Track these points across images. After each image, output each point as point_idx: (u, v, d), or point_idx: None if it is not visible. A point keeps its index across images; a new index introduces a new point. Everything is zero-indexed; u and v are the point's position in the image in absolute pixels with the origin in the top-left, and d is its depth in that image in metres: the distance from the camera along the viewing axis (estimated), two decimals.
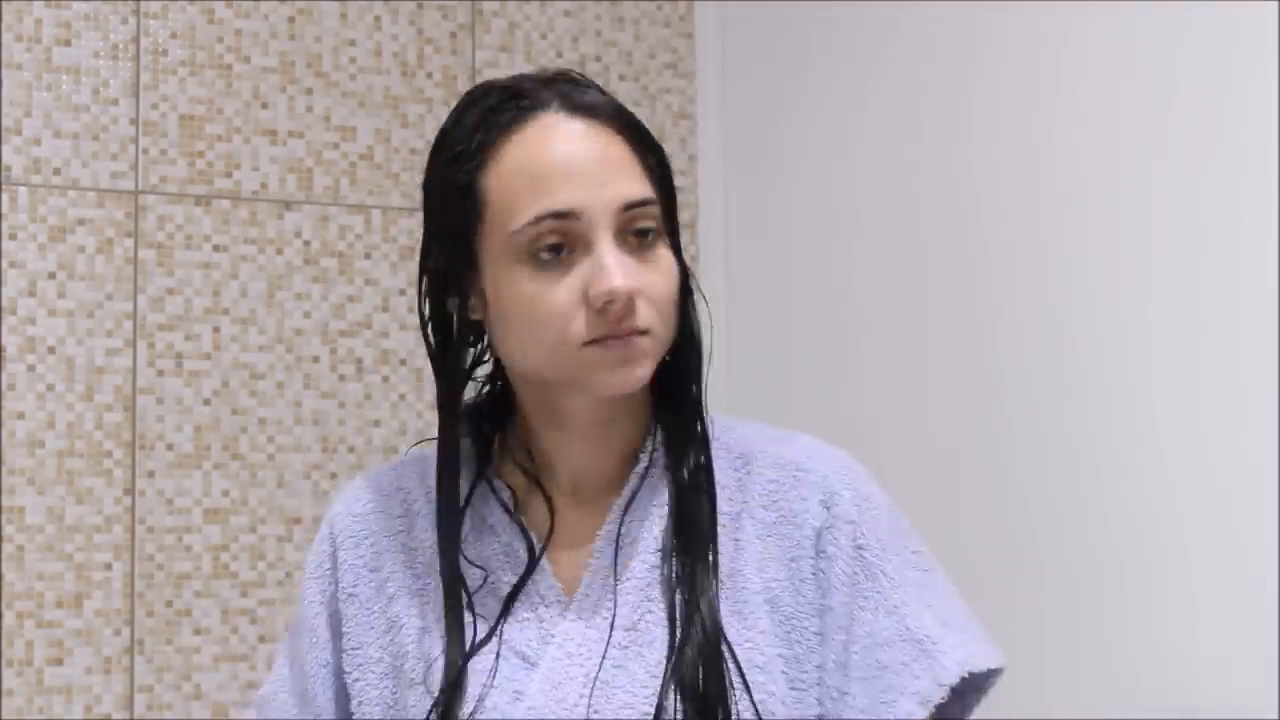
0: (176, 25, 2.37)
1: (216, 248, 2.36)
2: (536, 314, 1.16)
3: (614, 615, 1.19)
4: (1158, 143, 1.85)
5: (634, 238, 1.18)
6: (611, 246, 1.16)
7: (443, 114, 2.52)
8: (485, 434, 1.27)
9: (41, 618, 2.24)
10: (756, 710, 1.15)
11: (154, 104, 2.35)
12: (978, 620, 1.25)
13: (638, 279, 1.16)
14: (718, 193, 2.55)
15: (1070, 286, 1.96)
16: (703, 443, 1.24)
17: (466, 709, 1.17)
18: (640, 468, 1.24)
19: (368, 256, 2.44)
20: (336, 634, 1.26)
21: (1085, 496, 1.92)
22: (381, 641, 1.24)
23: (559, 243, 1.15)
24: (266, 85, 2.41)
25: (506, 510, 1.24)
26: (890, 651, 1.19)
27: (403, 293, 2.45)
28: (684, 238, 1.29)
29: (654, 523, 1.22)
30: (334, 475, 2.39)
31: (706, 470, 1.23)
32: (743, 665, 1.17)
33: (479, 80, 2.52)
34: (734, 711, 1.15)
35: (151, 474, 2.30)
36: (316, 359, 2.40)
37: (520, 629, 1.21)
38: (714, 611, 1.16)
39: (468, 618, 1.20)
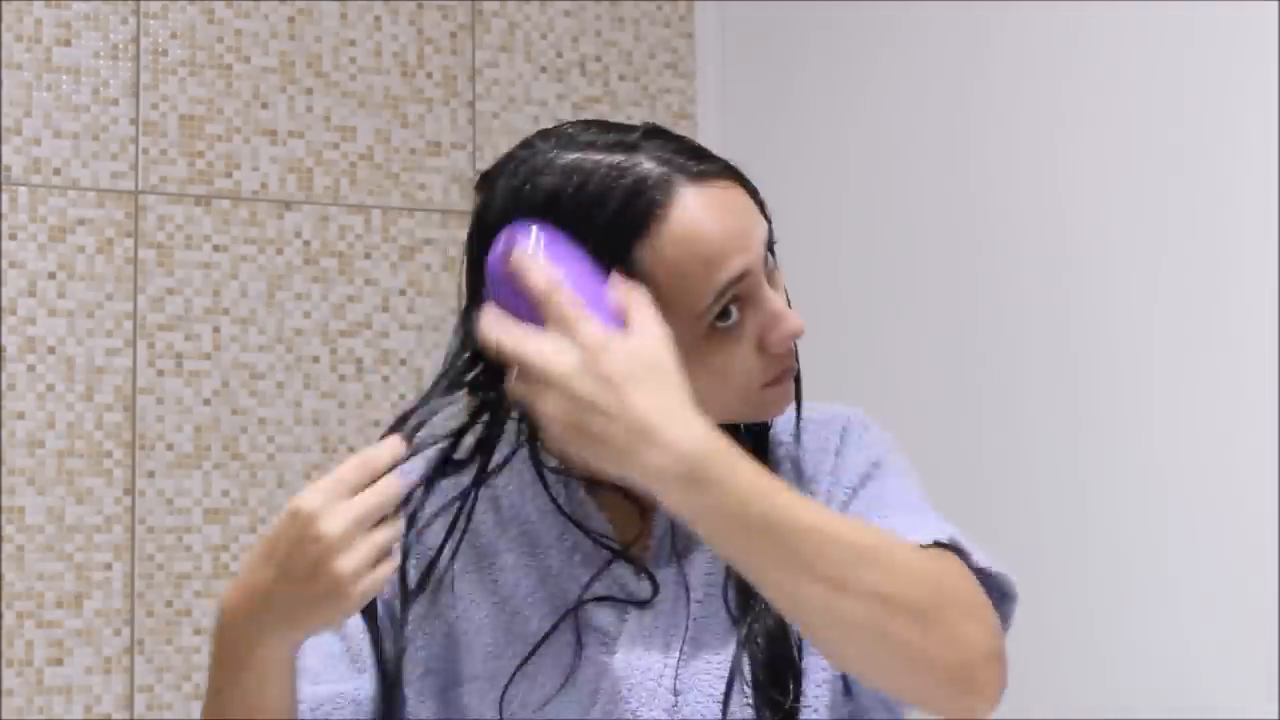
0: (176, 25, 2.37)
1: (216, 248, 2.36)
2: (726, 379, 1.17)
3: (687, 590, 1.21)
4: (1157, 142, 1.85)
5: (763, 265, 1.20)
6: (770, 293, 1.18)
7: (443, 114, 2.54)
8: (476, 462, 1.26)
9: (41, 618, 2.24)
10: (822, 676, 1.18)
11: (154, 104, 2.35)
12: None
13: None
14: None
15: (1069, 286, 1.96)
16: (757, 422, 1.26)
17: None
18: None
19: (368, 256, 2.44)
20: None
21: (1085, 496, 1.92)
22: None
23: (731, 306, 1.16)
24: (266, 85, 2.41)
25: (576, 522, 1.24)
26: (890, 507, 1.19)
27: (403, 293, 2.45)
28: None
29: None
30: None
31: (758, 440, 1.25)
32: None
33: (479, 80, 2.52)
34: (801, 678, 1.17)
35: (151, 474, 2.30)
36: (316, 359, 2.40)
37: (596, 610, 1.22)
38: None
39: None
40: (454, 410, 1.21)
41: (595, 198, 1.13)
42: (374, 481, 1.06)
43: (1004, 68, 2.08)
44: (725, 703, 1.17)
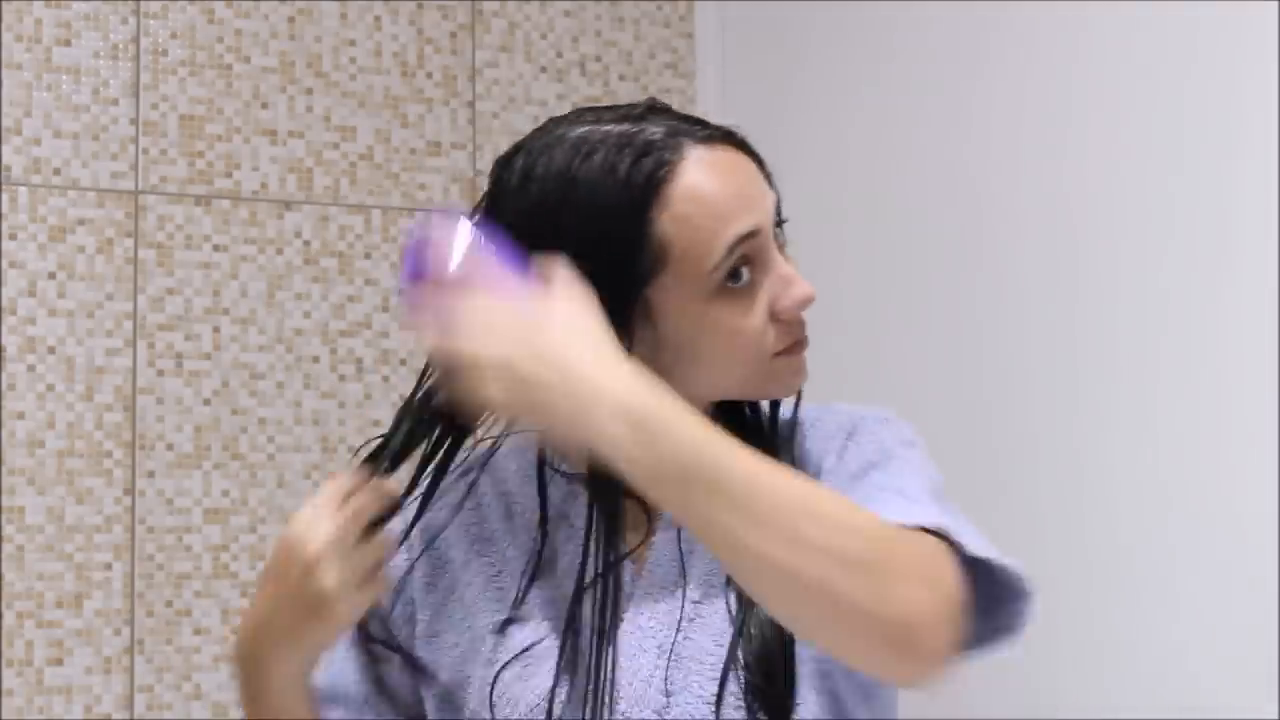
0: (176, 25, 2.37)
1: (216, 248, 2.36)
2: (737, 342, 1.18)
3: (684, 588, 1.20)
4: (1157, 142, 1.85)
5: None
6: (780, 258, 1.20)
7: (443, 114, 2.54)
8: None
9: (41, 618, 2.24)
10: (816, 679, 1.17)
11: (154, 104, 2.35)
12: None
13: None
14: None
15: (1069, 286, 1.96)
16: (755, 415, 1.26)
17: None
18: None
19: (368, 256, 2.44)
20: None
21: (1085, 496, 1.92)
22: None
23: (742, 267, 1.17)
24: (266, 85, 2.41)
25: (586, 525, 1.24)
26: (885, 494, 1.16)
27: (403, 292, 2.45)
28: None
29: None
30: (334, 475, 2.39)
31: (759, 437, 1.24)
32: None
33: (479, 80, 2.52)
34: (794, 676, 1.17)
35: (151, 474, 2.30)
36: (316, 359, 2.40)
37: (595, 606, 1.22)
38: None
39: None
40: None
41: (607, 164, 1.16)
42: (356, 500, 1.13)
43: (1004, 68, 2.08)
44: (718, 704, 1.16)
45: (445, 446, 1.22)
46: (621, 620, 1.21)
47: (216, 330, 2.35)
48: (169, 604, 2.29)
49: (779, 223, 1.23)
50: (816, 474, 1.23)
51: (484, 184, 1.24)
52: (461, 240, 1.12)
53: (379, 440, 1.19)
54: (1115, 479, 1.88)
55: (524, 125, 2.49)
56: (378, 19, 2.48)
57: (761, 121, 2.56)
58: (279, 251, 2.39)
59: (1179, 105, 1.83)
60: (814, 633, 1.08)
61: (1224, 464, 1.76)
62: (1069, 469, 1.94)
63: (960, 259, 2.12)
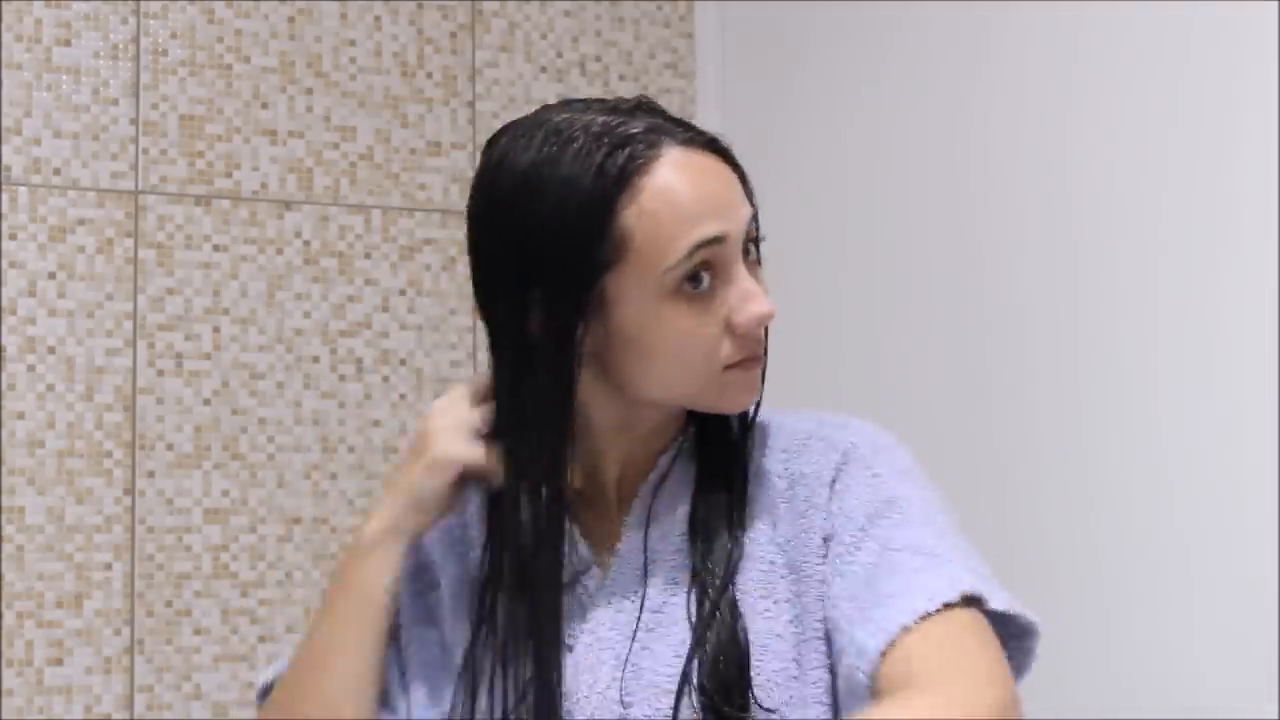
0: (176, 25, 2.37)
1: (216, 248, 2.36)
2: (686, 345, 1.18)
3: (643, 598, 1.21)
4: (1157, 142, 1.85)
5: (744, 254, 1.21)
6: (745, 272, 1.20)
7: (443, 114, 2.54)
8: None
9: (41, 618, 2.24)
10: (765, 690, 1.18)
11: (154, 104, 2.35)
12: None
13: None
14: None
15: (1069, 287, 1.96)
16: (728, 429, 1.27)
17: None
18: (669, 454, 1.26)
19: (368, 256, 2.44)
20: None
21: (1086, 497, 1.92)
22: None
23: (702, 272, 1.18)
24: (266, 85, 2.41)
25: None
26: (902, 555, 1.17)
27: (403, 293, 2.45)
28: None
29: (681, 505, 1.24)
30: (334, 475, 2.39)
31: (731, 451, 1.25)
32: (762, 634, 1.18)
33: (479, 80, 2.52)
34: (751, 689, 1.17)
35: (151, 474, 2.30)
36: (316, 359, 2.40)
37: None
38: (732, 594, 1.19)
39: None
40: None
41: (583, 151, 1.18)
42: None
43: (1004, 69, 2.08)
44: (675, 713, 1.17)
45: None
46: (584, 628, 1.22)
47: (216, 330, 2.35)
48: (169, 604, 2.29)
49: (756, 240, 1.22)
50: (807, 498, 1.23)
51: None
52: None
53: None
54: (1115, 479, 1.88)
55: None
56: (378, 19, 2.49)
57: (761, 121, 2.56)
58: (279, 251, 2.40)
59: (1179, 105, 1.83)
60: None
61: (1224, 464, 1.76)
62: (1069, 470, 1.94)
63: (960, 258, 2.12)
